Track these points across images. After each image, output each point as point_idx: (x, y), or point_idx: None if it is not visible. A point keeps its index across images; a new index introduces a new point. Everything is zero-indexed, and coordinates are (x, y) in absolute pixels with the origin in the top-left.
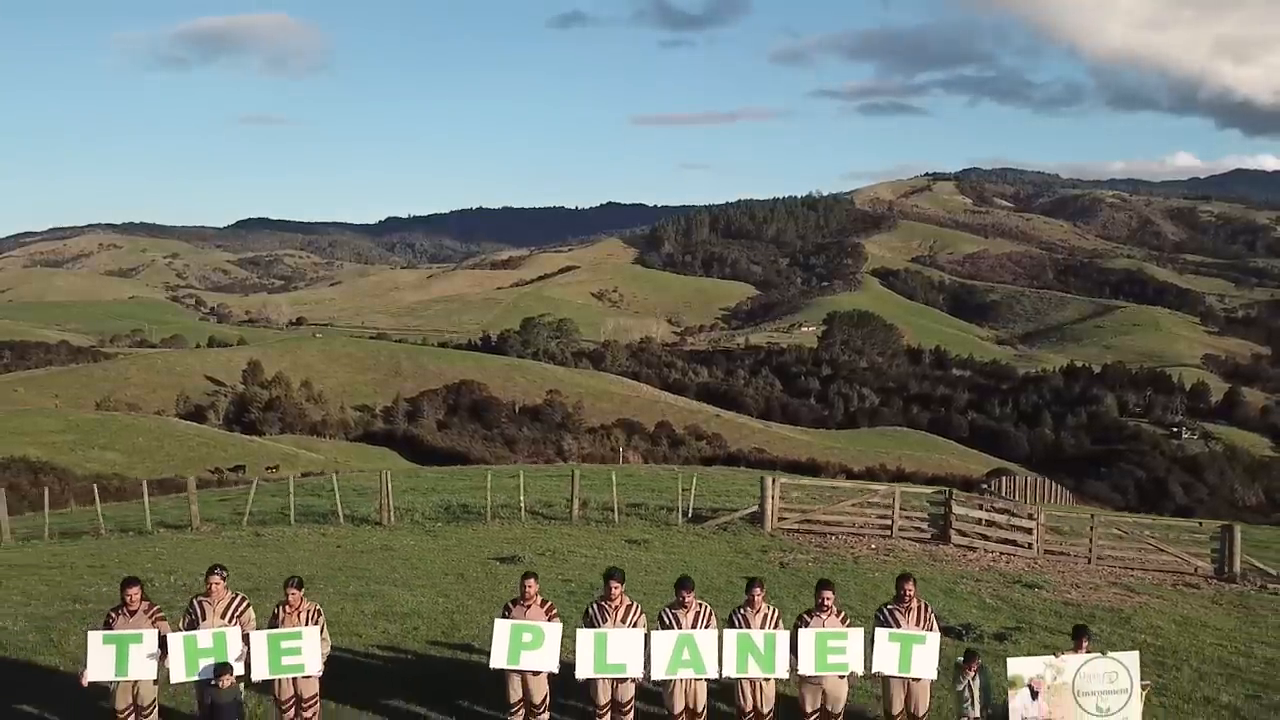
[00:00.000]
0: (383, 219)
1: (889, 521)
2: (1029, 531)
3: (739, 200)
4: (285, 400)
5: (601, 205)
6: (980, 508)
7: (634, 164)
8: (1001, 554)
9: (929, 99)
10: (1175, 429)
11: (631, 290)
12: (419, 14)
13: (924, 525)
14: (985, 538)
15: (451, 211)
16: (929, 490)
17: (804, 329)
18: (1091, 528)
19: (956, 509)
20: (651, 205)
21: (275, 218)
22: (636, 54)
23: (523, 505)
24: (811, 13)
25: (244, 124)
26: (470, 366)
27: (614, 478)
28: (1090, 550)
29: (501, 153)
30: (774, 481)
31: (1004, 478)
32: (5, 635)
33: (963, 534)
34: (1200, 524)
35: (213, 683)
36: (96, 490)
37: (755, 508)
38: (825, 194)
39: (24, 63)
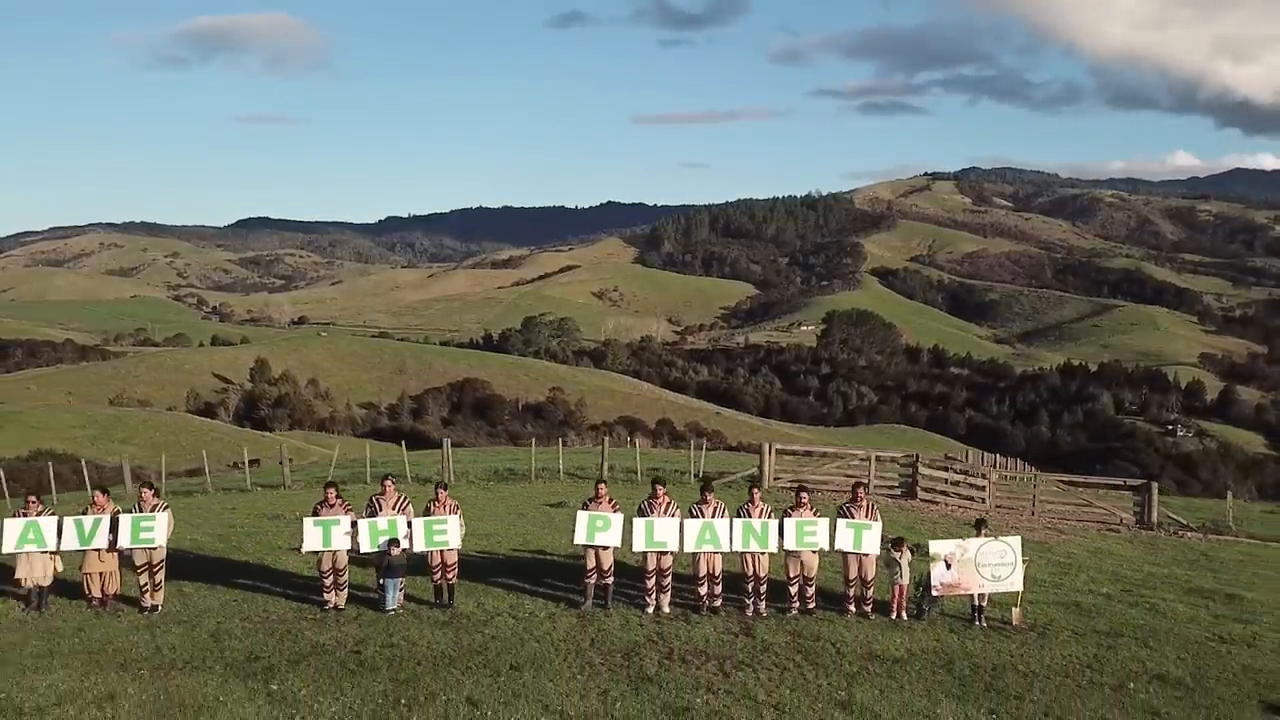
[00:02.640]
0: (383, 218)
1: (865, 481)
2: (983, 489)
3: (739, 200)
4: (294, 397)
5: (601, 205)
6: (945, 469)
7: (634, 163)
8: (959, 506)
9: (928, 98)
10: (1171, 427)
11: (632, 290)
12: (418, 13)
13: (895, 484)
14: (945, 494)
15: (452, 211)
16: (901, 455)
17: (803, 328)
18: (1035, 485)
19: (922, 470)
20: (651, 205)
21: (275, 217)
22: (636, 53)
23: (561, 467)
24: (811, 12)
25: (244, 123)
26: (473, 365)
27: (637, 446)
28: (1034, 503)
29: (501, 152)
30: (770, 447)
31: (969, 452)
32: (198, 543)
33: (927, 491)
34: (1125, 482)
35: (387, 551)
36: (205, 457)
37: (755, 470)
38: (825, 193)
39: (24, 63)
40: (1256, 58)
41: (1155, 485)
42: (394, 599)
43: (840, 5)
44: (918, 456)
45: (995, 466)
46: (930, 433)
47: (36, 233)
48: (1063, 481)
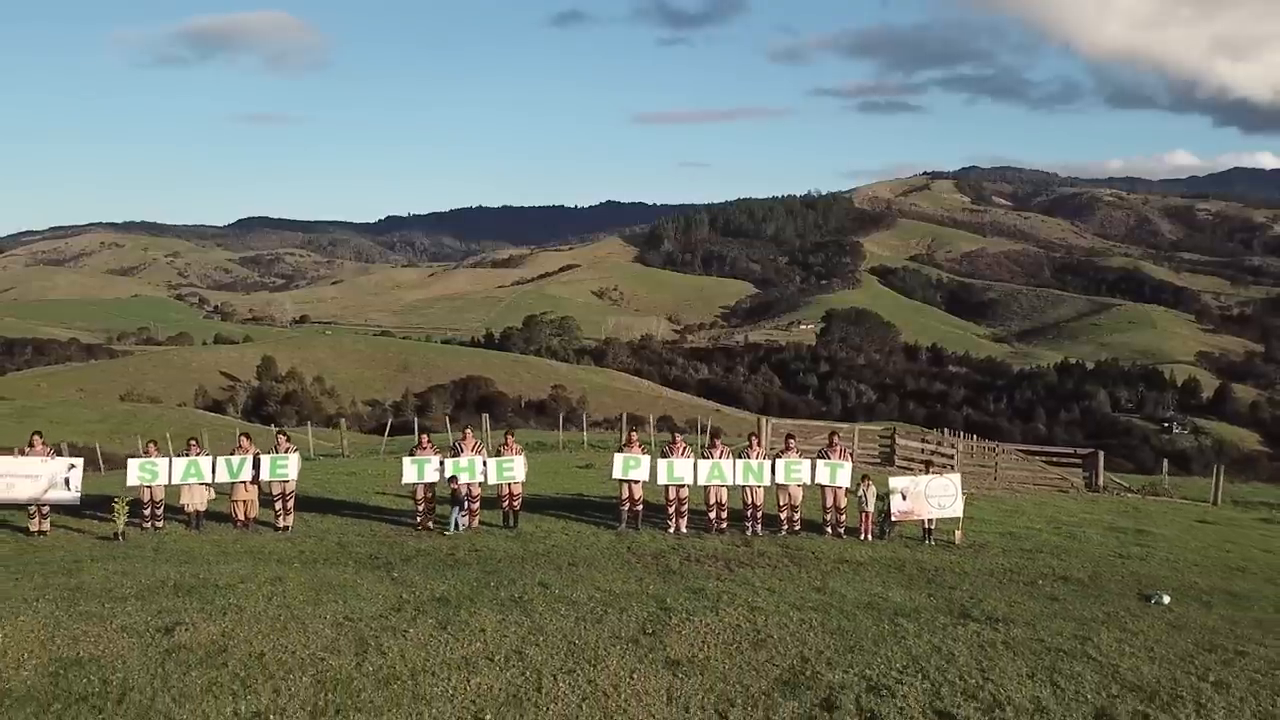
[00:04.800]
0: (383, 218)
1: (850, 450)
2: (951, 458)
3: (738, 199)
4: (301, 394)
5: (601, 204)
6: (921, 440)
7: (633, 162)
8: (930, 472)
9: (927, 97)
10: (1167, 424)
11: (632, 288)
12: (417, 12)
13: (875, 454)
14: (919, 463)
15: (451, 210)
16: (879, 428)
17: (803, 326)
18: (996, 453)
19: (899, 441)
20: (651, 204)
21: (275, 216)
22: (636, 53)
23: (585, 439)
24: (810, 11)
25: (243, 122)
26: (476, 362)
27: (651, 420)
28: (995, 470)
29: (501, 152)
30: (766, 420)
31: (944, 430)
32: (301, 488)
33: (904, 459)
34: (1075, 451)
35: (456, 481)
36: (273, 430)
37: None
38: (824, 192)
39: (24, 63)
40: (1255, 56)
41: (1101, 454)
42: (459, 523)
43: (839, 4)
44: (895, 430)
45: (963, 439)
46: (928, 429)
47: (37, 232)
48: (1021, 451)
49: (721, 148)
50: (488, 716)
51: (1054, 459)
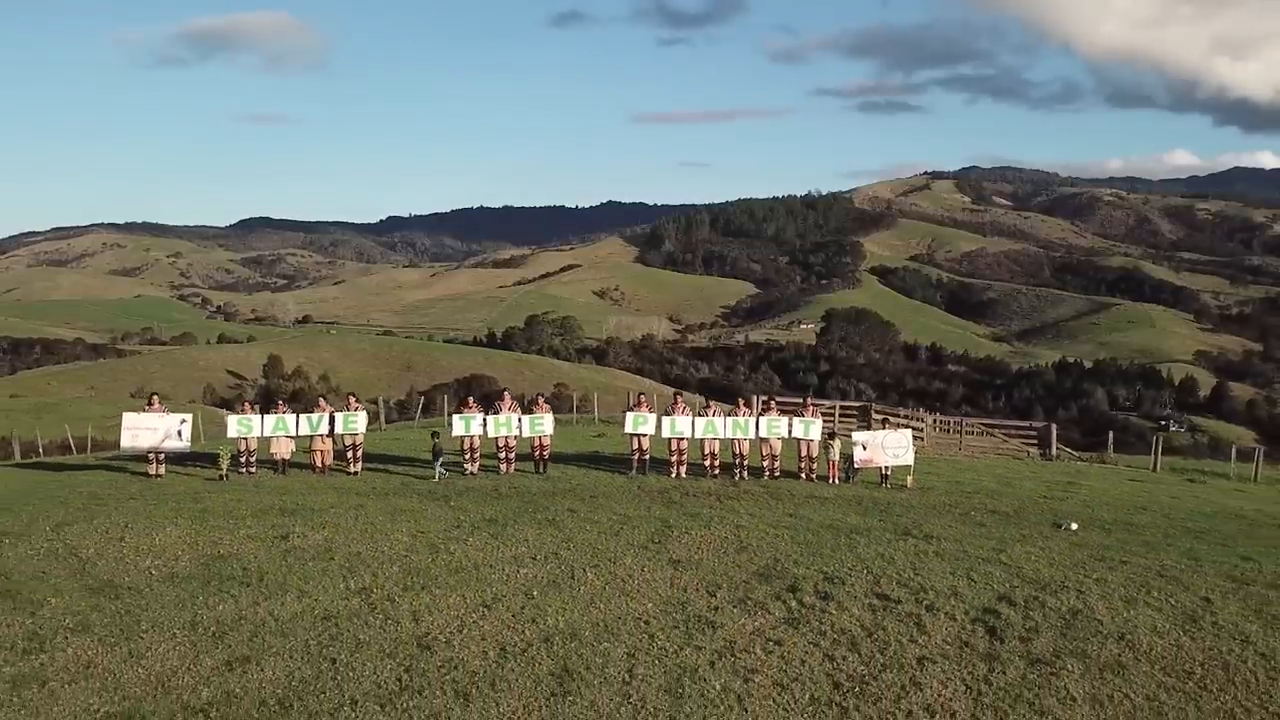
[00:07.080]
0: (384, 218)
1: (832, 424)
2: (921, 430)
3: (739, 199)
4: (308, 392)
5: (602, 204)
6: (899, 414)
7: (634, 163)
8: (886, 427)
9: (927, 97)
10: (1163, 422)
11: (633, 288)
12: (418, 13)
13: (854, 428)
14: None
15: (452, 210)
16: (856, 405)
17: (803, 326)
18: (961, 425)
19: (875, 416)
20: (652, 204)
21: (277, 217)
22: (635, 53)
23: (596, 415)
24: (810, 11)
25: (244, 122)
26: (479, 361)
27: (655, 399)
28: (960, 440)
29: (501, 152)
30: (758, 399)
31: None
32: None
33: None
34: (1030, 425)
35: (438, 439)
36: (321, 403)
37: None
38: (824, 193)
39: (24, 62)
40: (1255, 56)
41: (1054, 426)
42: (441, 472)
43: (839, 4)
44: (871, 404)
45: (933, 415)
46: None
47: (39, 233)
48: (983, 424)
49: (721, 148)
50: (535, 593)
51: (1013, 432)
